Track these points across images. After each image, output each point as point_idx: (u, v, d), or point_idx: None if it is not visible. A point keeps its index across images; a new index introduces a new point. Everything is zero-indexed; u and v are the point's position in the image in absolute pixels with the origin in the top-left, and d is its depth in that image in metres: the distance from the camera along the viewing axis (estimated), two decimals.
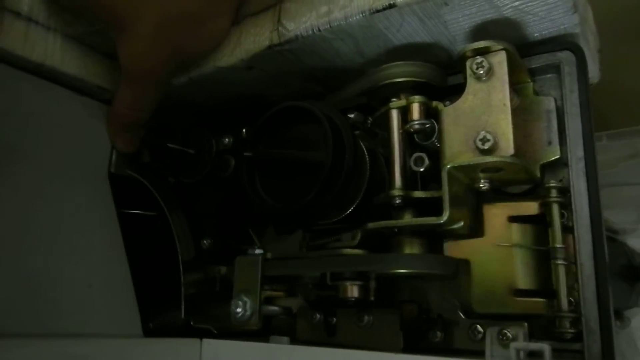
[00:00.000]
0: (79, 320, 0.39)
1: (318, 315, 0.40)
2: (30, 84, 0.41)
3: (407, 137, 0.36)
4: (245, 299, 0.37)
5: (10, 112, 0.40)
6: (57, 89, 0.44)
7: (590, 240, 0.32)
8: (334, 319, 0.40)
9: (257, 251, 0.40)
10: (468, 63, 0.33)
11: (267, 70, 0.43)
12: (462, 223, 0.33)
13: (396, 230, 0.35)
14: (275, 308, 0.40)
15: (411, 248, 0.35)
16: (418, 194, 0.34)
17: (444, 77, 0.38)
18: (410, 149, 0.36)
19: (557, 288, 0.33)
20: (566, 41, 0.36)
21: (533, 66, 0.37)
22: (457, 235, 0.35)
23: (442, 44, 0.38)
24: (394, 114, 0.36)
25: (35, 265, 0.38)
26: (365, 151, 0.39)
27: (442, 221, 0.31)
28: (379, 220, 0.35)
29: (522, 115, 0.36)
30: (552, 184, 0.34)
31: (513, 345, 0.28)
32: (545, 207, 0.34)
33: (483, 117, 0.32)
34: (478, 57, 0.33)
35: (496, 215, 0.35)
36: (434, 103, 0.35)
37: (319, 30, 0.37)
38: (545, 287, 0.34)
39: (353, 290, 0.36)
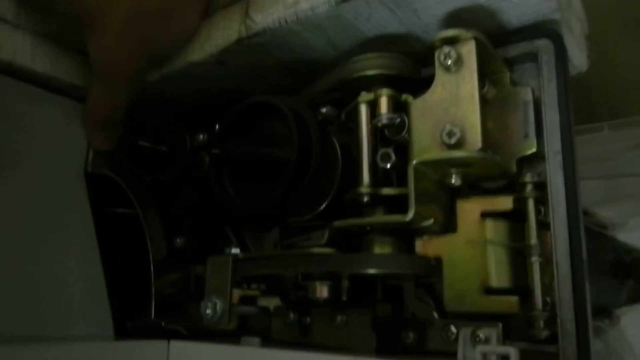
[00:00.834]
0: (49, 321, 0.38)
1: (292, 315, 0.39)
2: None
3: (377, 132, 0.35)
4: (216, 299, 0.36)
5: None
6: (29, 88, 0.43)
7: (567, 237, 0.31)
8: (308, 319, 0.39)
9: (234, 250, 0.39)
10: (436, 53, 0.32)
11: (240, 65, 0.42)
12: (431, 220, 0.32)
13: (368, 228, 0.34)
14: (250, 308, 0.39)
15: (381, 247, 0.33)
16: (386, 191, 0.33)
17: (417, 68, 0.36)
18: (381, 144, 0.35)
19: (531, 287, 0.31)
20: (544, 28, 0.34)
21: (510, 55, 0.35)
22: (429, 233, 0.34)
23: (415, 33, 0.37)
24: (363, 108, 0.35)
25: (6, 265, 0.38)
26: (338, 147, 0.38)
27: (407, 219, 0.30)
28: (354, 217, 0.34)
29: (498, 106, 0.34)
30: (527, 179, 0.32)
31: (479, 349, 0.27)
32: (521, 202, 0.33)
33: (451, 109, 0.31)
34: (446, 46, 0.31)
35: (469, 210, 0.33)
36: (404, 96, 0.34)
37: (286, 22, 0.36)
38: (520, 285, 0.32)
39: (322, 290, 0.35)
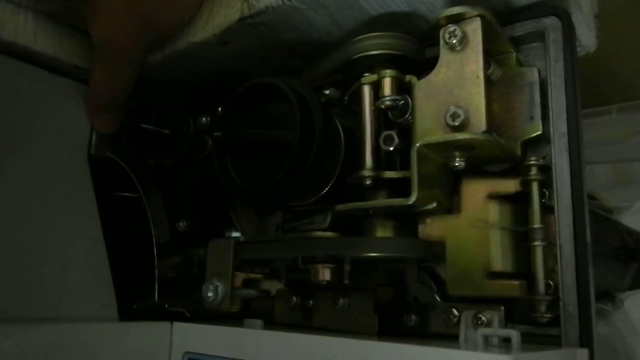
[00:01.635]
0: (54, 303, 0.39)
1: (295, 298, 0.39)
2: (0, 64, 0.40)
3: (380, 114, 0.34)
4: (217, 282, 0.36)
5: None
6: (31, 68, 0.43)
7: (571, 221, 0.31)
8: (310, 302, 0.39)
9: (235, 234, 0.39)
10: (441, 32, 0.31)
11: (243, 46, 0.42)
12: (434, 204, 0.32)
13: (370, 212, 0.34)
14: (251, 291, 0.39)
15: (383, 230, 0.33)
16: (389, 174, 0.33)
17: (421, 49, 0.36)
18: (384, 126, 0.34)
19: (534, 270, 0.31)
20: (552, 5, 0.33)
21: (517, 34, 0.34)
22: (433, 216, 0.34)
23: (420, 12, 0.36)
24: (366, 90, 0.34)
25: (11, 248, 0.38)
26: (341, 129, 0.37)
27: (410, 202, 0.30)
28: (357, 201, 0.34)
29: (503, 88, 0.34)
30: (532, 162, 0.32)
31: (480, 331, 0.27)
32: (525, 185, 0.32)
33: (455, 91, 0.30)
34: (451, 25, 0.31)
35: (474, 192, 0.33)
36: (407, 77, 0.33)
37: (289, 0, 0.35)
38: (523, 269, 0.32)
39: (325, 273, 0.35)
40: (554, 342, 0.31)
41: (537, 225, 0.31)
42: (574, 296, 0.30)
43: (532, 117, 0.33)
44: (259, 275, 0.42)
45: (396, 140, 0.33)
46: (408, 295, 0.36)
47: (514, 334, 0.26)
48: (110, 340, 0.34)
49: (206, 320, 0.37)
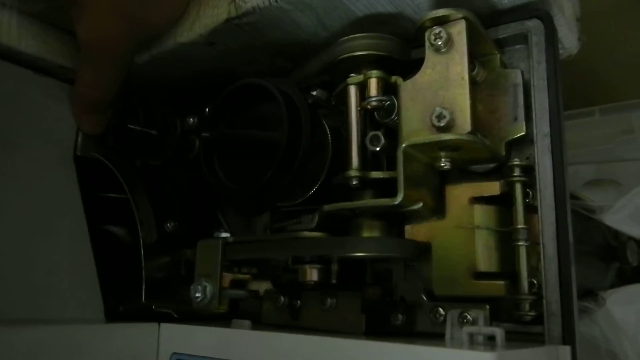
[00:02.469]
0: (40, 304, 0.38)
1: (283, 298, 0.39)
2: None
3: (366, 114, 0.34)
4: (205, 283, 0.36)
5: None
6: (15, 69, 0.42)
7: (554, 220, 0.31)
8: (298, 302, 0.39)
9: (224, 234, 0.39)
10: (427, 34, 0.31)
11: (231, 46, 0.42)
12: (420, 204, 0.32)
13: (357, 212, 0.34)
14: (240, 292, 0.39)
15: (370, 230, 0.34)
16: (375, 174, 0.33)
17: (407, 50, 0.36)
18: (370, 127, 0.35)
19: (518, 270, 0.31)
20: (535, 8, 0.34)
21: (501, 36, 0.35)
22: (419, 217, 0.34)
23: (406, 13, 0.37)
24: (352, 90, 0.34)
25: None
26: (328, 130, 0.37)
27: (396, 202, 0.30)
28: (344, 201, 0.34)
29: (488, 89, 0.34)
30: (515, 162, 0.32)
31: (465, 330, 0.27)
32: (509, 186, 0.33)
33: (441, 92, 0.31)
34: (436, 27, 0.31)
35: (458, 196, 0.33)
36: (393, 78, 0.34)
37: (276, 1, 0.35)
38: (508, 269, 0.33)
39: (312, 274, 0.35)
40: (538, 339, 0.31)
41: (520, 225, 0.32)
42: (557, 294, 0.30)
43: (516, 118, 0.33)
44: (247, 276, 0.42)
45: (382, 140, 0.33)
46: (395, 295, 0.36)
47: (498, 332, 0.26)
48: (97, 342, 0.34)
49: (194, 321, 0.37)
